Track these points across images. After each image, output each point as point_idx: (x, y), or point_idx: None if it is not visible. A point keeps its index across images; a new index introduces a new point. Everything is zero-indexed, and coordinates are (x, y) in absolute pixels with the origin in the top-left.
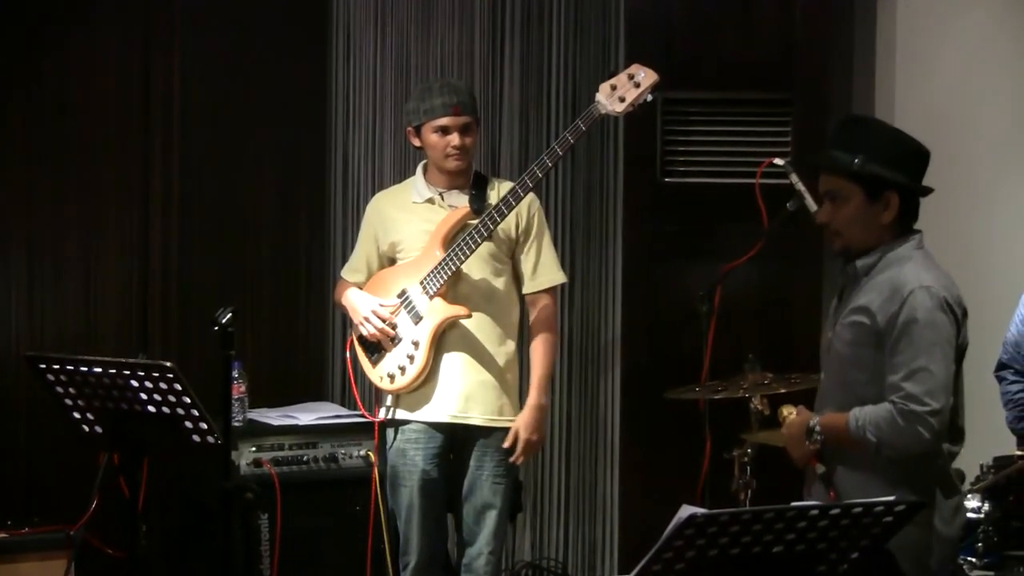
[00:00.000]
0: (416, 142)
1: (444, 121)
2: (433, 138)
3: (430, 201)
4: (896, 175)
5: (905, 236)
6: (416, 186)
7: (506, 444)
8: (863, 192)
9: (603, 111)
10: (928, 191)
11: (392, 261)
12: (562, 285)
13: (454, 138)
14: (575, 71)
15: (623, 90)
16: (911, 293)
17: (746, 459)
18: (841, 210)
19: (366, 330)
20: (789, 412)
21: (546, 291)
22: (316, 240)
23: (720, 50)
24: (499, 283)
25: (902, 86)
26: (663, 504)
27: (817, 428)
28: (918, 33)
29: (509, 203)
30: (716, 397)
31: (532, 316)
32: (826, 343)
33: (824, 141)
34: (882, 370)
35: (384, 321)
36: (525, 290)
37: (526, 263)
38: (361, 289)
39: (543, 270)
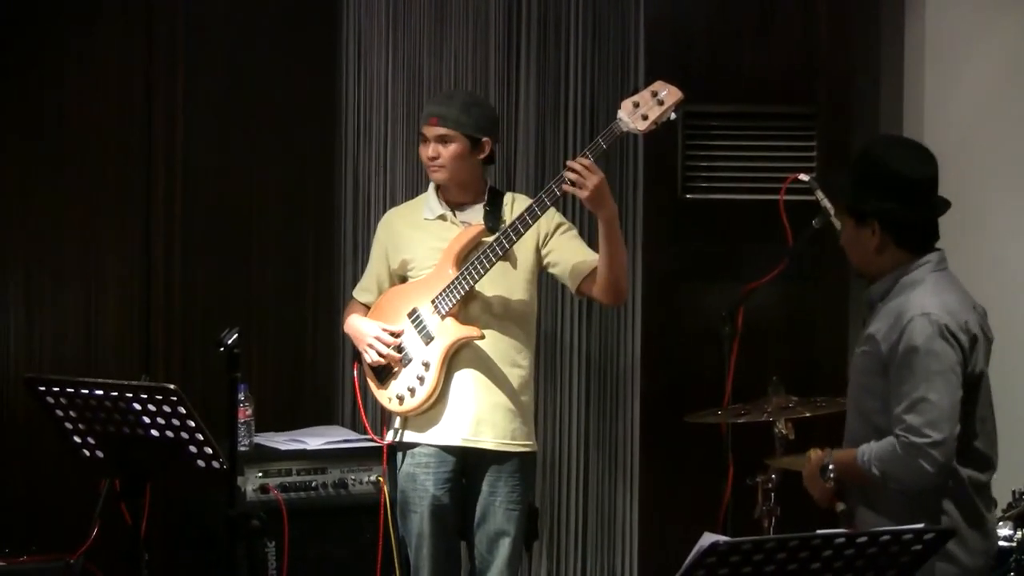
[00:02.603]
0: None
1: (423, 130)
2: (420, 147)
3: (442, 218)
4: (878, 203)
5: (920, 257)
6: (428, 202)
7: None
8: (852, 219)
9: (625, 129)
10: (930, 213)
11: (403, 280)
12: (579, 306)
13: (428, 148)
14: (593, 83)
15: (646, 108)
16: (910, 321)
17: (770, 485)
18: (843, 235)
19: (370, 357)
20: (815, 453)
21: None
22: (325, 258)
23: (742, 62)
24: (514, 302)
25: (931, 97)
26: (684, 532)
27: (831, 466)
28: (948, 42)
29: (526, 221)
30: (739, 421)
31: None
32: (850, 371)
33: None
34: (888, 400)
35: (389, 346)
36: (574, 282)
37: (564, 255)
38: (370, 308)
39: (586, 252)
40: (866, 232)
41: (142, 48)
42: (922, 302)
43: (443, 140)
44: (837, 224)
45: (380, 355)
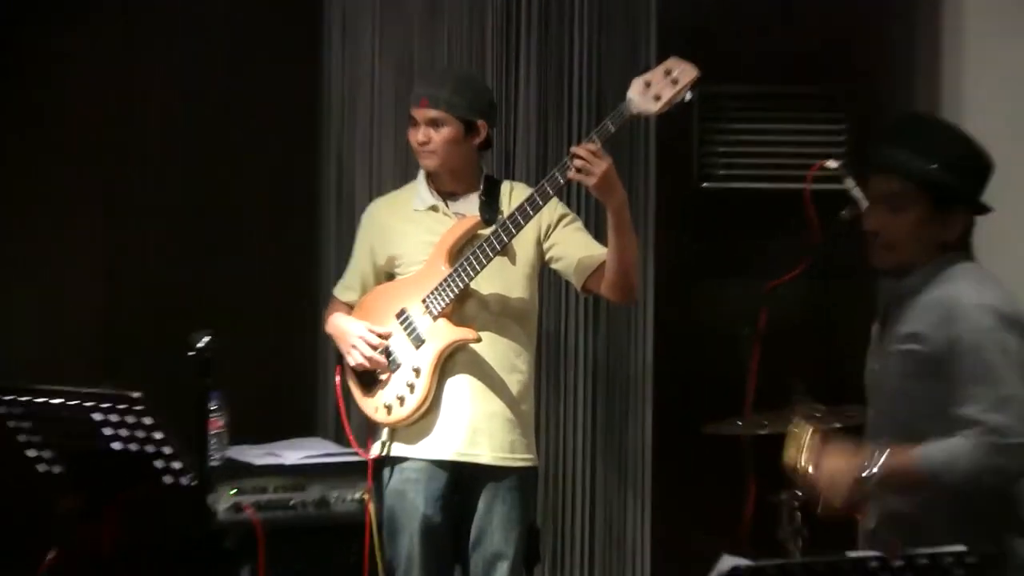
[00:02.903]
0: None
1: (412, 112)
2: (409, 131)
3: (433, 209)
4: (970, 190)
5: (955, 251)
6: (418, 191)
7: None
8: (930, 202)
9: (635, 111)
10: (990, 210)
11: (390, 277)
12: (585, 305)
13: (418, 132)
14: (599, 62)
15: (659, 87)
16: (967, 313)
17: (796, 503)
18: (899, 219)
19: (354, 360)
20: (801, 432)
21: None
22: (307, 255)
23: (765, 37)
24: (513, 301)
25: (971, 76)
26: (700, 554)
27: (876, 470)
28: (991, 15)
29: (526, 212)
30: (761, 432)
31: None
32: (873, 376)
33: (880, 135)
34: (942, 402)
35: (376, 348)
36: (579, 278)
37: (568, 248)
38: (353, 308)
39: (593, 246)
40: (939, 221)
41: (115, 36)
42: (978, 293)
43: (434, 123)
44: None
45: (365, 357)
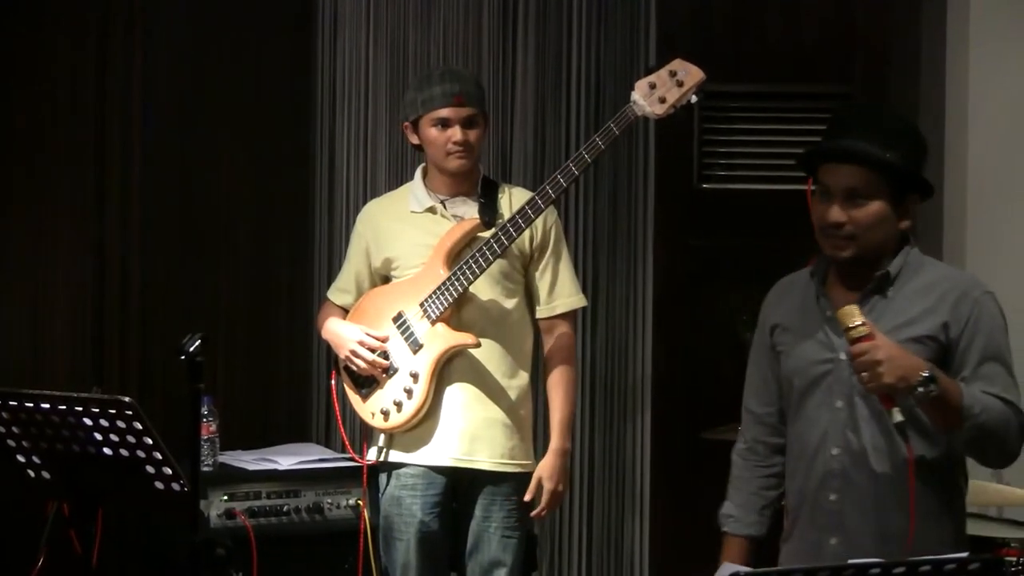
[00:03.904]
0: (414, 139)
1: (444, 112)
2: (432, 132)
3: (431, 210)
4: (922, 175)
5: (909, 237)
6: (415, 193)
7: (527, 496)
8: (889, 192)
9: (640, 113)
10: (933, 192)
11: (386, 280)
12: (583, 312)
13: (455, 132)
14: (599, 58)
15: (664, 89)
16: (983, 296)
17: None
18: (862, 210)
19: (354, 366)
20: (857, 319)
21: (563, 317)
22: (298, 256)
23: (767, 34)
24: (511, 306)
25: (977, 75)
26: (700, 561)
27: (936, 376)
28: (997, 12)
29: (527, 215)
30: None
31: (547, 346)
32: (841, 367)
33: (834, 128)
34: None
35: (375, 351)
36: (539, 315)
37: (540, 284)
38: (348, 312)
39: (560, 292)
40: (900, 209)
41: (94, 23)
42: (971, 279)
43: (470, 122)
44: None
45: (365, 362)
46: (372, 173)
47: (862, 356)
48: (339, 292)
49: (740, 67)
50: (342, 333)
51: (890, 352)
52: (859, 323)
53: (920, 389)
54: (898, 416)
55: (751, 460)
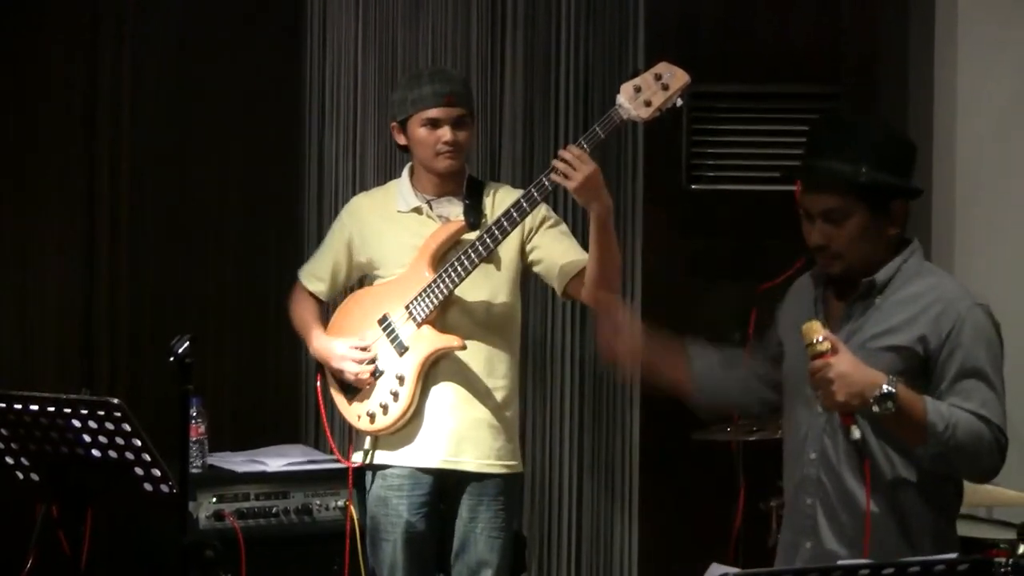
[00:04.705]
0: (402, 139)
1: (434, 112)
2: (421, 133)
3: (417, 210)
4: (902, 180)
5: (905, 244)
6: (401, 192)
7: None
8: (867, 206)
9: (625, 116)
10: (922, 192)
11: (362, 277)
12: (572, 310)
13: (445, 132)
14: (587, 60)
15: (649, 92)
16: (969, 311)
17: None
18: (842, 230)
19: (348, 377)
20: (818, 335)
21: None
22: (288, 257)
23: (755, 34)
24: (497, 307)
25: (965, 75)
26: (689, 562)
27: (894, 392)
28: (985, 13)
29: (513, 218)
30: (751, 439)
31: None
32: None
33: (806, 149)
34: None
35: (363, 362)
36: (560, 283)
37: (552, 256)
38: (322, 303)
39: (575, 251)
40: (883, 218)
41: (85, 23)
42: (960, 289)
43: (460, 122)
44: None
45: (358, 377)
46: (361, 174)
47: (816, 373)
48: (313, 279)
49: (729, 67)
50: (328, 350)
51: (844, 369)
52: (819, 339)
53: (875, 407)
54: (856, 433)
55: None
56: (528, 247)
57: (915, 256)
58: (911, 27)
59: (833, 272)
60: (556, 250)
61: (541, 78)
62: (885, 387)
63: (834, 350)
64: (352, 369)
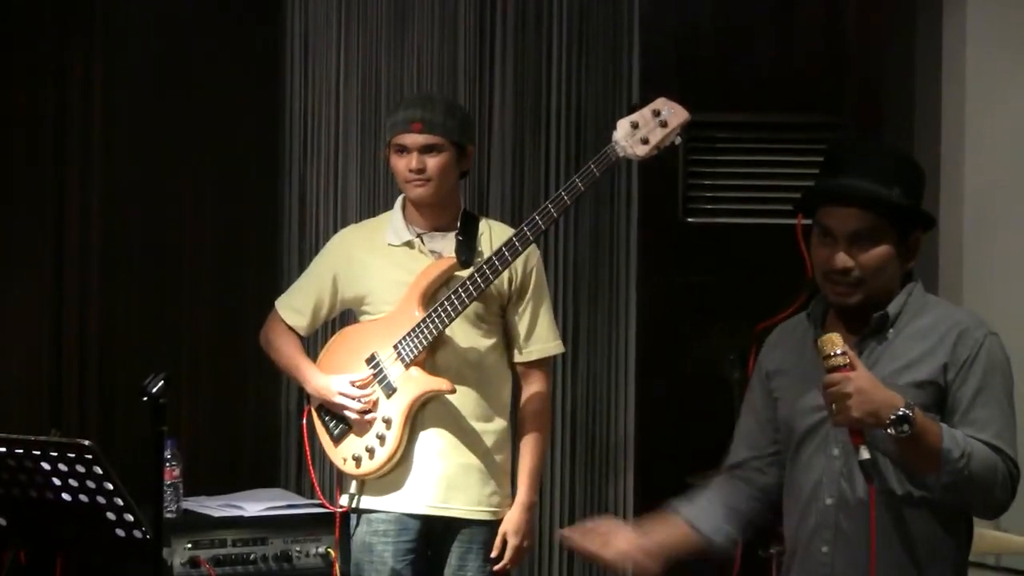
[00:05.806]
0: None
1: (402, 139)
2: (393, 159)
3: (408, 244)
4: (922, 208)
5: (907, 277)
6: (393, 224)
7: (493, 552)
8: (896, 233)
9: (622, 154)
10: (936, 223)
11: (346, 314)
12: (566, 354)
13: (411, 159)
14: (580, 87)
15: (646, 129)
16: (985, 339)
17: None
18: (871, 253)
19: (352, 413)
20: (838, 347)
21: (539, 363)
22: (266, 293)
23: (755, 62)
24: (488, 349)
25: (973, 103)
26: None
27: (912, 415)
28: (992, 44)
29: (504, 258)
30: None
31: (523, 393)
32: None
33: (830, 167)
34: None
35: (360, 399)
36: (515, 359)
37: (519, 327)
38: (303, 337)
39: (537, 337)
40: (904, 248)
41: (51, 45)
42: (975, 320)
43: (429, 150)
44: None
45: (359, 414)
46: (343, 203)
47: (833, 387)
48: (292, 312)
49: (727, 96)
50: (325, 388)
51: (862, 385)
52: (839, 352)
53: (891, 429)
54: (864, 453)
55: (735, 477)
56: (510, 299)
57: (918, 289)
58: (917, 54)
59: (850, 303)
60: (521, 329)
61: (531, 110)
62: (902, 409)
63: (852, 365)
64: (356, 407)
